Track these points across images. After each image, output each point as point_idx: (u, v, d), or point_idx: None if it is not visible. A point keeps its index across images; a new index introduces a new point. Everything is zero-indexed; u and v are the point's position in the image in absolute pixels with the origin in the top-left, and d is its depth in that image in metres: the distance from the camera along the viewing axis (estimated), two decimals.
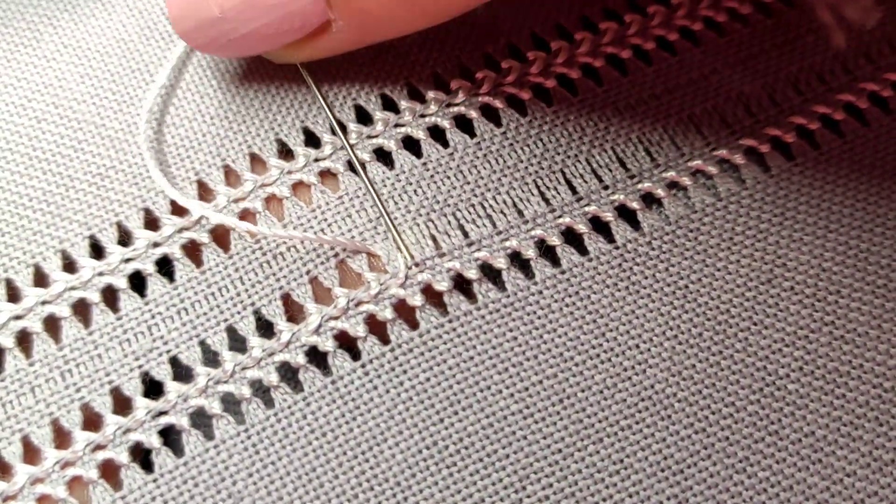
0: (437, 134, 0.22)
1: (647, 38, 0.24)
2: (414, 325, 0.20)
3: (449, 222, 0.21)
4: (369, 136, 0.22)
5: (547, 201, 0.21)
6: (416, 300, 0.20)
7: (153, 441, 0.19)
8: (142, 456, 0.19)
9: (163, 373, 0.20)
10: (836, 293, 0.20)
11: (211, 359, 0.20)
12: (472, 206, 0.21)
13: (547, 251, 0.21)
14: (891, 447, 0.19)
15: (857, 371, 0.20)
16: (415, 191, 0.21)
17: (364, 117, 0.22)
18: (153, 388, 0.20)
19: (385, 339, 0.20)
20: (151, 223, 0.21)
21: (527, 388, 0.19)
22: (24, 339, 0.20)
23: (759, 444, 0.19)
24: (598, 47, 0.23)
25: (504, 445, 0.19)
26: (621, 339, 0.20)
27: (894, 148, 0.22)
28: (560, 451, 0.19)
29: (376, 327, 0.20)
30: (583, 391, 0.19)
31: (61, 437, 0.19)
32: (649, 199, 0.22)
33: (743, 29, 0.24)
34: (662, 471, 0.19)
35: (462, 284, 0.20)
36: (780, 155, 0.22)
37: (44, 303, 0.20)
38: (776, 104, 0.23)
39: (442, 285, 0.20)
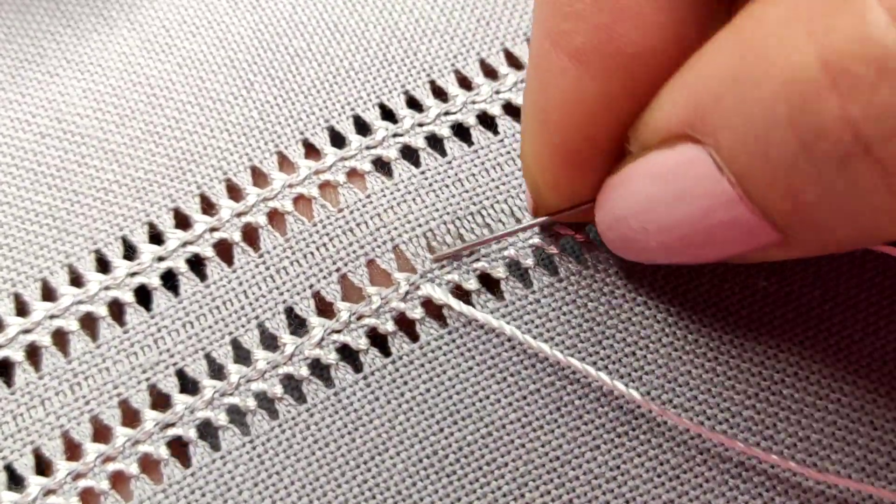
0: (434, 143, 0.22)
1: None
2: (414, 337, 0.20)
3: (448, 231, 0.21)
4: (368, 147, 0.22)
5: None
6: (416, 313, 0.20)
7: (161, 452, 0.20)
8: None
9: (170, 385, 0.20)
10: (830, 300, 0.21)
11: (217, 371, 0.20)
12: (472, 214, 0.21)
13: (545, 260, 0.21)
14: (885, 451, 0.19)
15: (852, 376, 0.20)
16: (414, 200, 0.22)
17: (363, 128, 0.23)
18: (160, 401, 0.20)
19: (386, 352, 0.20)
20: (155, 237, 0.22)
21: (525, 397, 0.20)
22: (33, 353, 0.21)
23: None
24: None
25: (503, 454, 0.19)
26: (618, 346, 0.20)
27: None
28: (558, 458, 0.19)
29: (378, 340, 0.20)
30: (580, 398, 0.20)
31: (72, 449, 0.20)
32: None
33: None
34: (659, 476, 0.19)
35: (462, 296, 0.21)
36: None
37: (52, 317, 0.21)
38: None
39: (444, 298, 0.20)
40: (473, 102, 0.23)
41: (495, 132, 0.22)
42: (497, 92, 0.23)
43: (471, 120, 0.23)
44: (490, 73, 0.23)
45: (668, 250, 0.17)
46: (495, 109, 0.23)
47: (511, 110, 0.23)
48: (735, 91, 0.14)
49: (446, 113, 0.23)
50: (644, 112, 0.17)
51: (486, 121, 0.23)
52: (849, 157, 0.13)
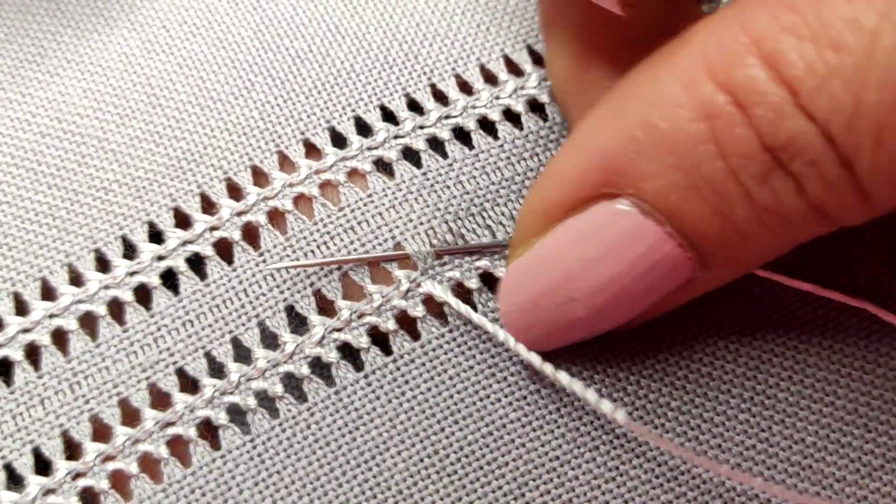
0: (435, 145, 0.23)
1: None
2: (415, 335, 0.20)
3: (450, 229, 0.21)
4: (370, 148, 0.22)
5: None
6: (418, 311, 0.20)
7: (161, 452, 0.20)
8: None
9: (169, 384, 0.20)
10: (824, 305, 0.21)
11: (217, 370, 0.20)
12: (472, 215, 0.22)
13: None
14: (879, 453, 0.20)
15: (846, 379, 0.20)
16: (416, 199, 0.22)
17: (364, 129, 0.23)
18: (160, 400, 0.20)
19: (387, 350, 0.20)
20: (155, 236, 0.22)
21: (525, 397, 0.20)
22: (32, 352, 0.21)
23: (750, 450, 0.20)
24: None
25: (503, 453, 0.19)
26: (616, 350, 0.20)
27: None
28: (557, 458, 0.19)
29: (379, 338, 0.20)
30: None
31: (72, 449, 0.20)
32: None
33: None
34: (657, 477, 0.19)
35: (463, 294, 0.21)
36: None
37: (51, 316, 0.21)
38: None
39: (443, 296, 0.20)
40: (474, 107, 0.23)
41: (495, 137, 0.22)
42: (497, 98, 0.23)
43: (471, 124, 0.23)
44: (490, 78, 0.24)
45: (597, 315, 0.18)
46: (495, 115, 0.23)
47: (511, 116, 0.23)
48: (653, 140, 0.16)
49: (447, 116, 0.23)
50: (530, 200, 0.18)
51: (487, 125, 0.23)
52: (768, 172, 0.15)
